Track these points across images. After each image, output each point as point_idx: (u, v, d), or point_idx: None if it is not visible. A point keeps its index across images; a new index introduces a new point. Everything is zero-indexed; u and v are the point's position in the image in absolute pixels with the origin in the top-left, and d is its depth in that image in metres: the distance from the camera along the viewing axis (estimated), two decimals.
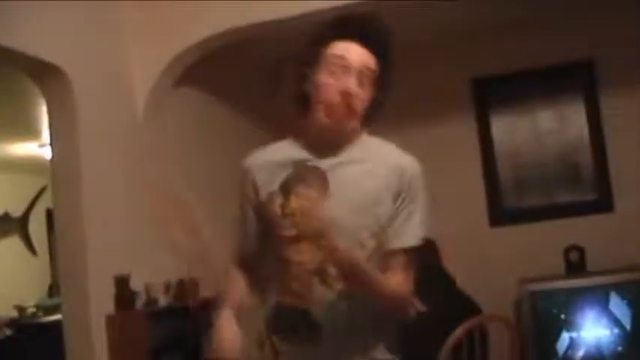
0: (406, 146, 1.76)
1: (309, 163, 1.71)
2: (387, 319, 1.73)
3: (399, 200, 1.69)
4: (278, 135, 1.86)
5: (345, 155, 1.71)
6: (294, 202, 1.65)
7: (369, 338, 1.70)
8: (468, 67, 4.67)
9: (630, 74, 4.39)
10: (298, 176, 1.70)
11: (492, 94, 4.69)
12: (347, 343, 1.67)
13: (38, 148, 6.03)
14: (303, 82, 1.70)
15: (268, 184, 1.74)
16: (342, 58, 1.66)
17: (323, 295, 1.65)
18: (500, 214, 4.66)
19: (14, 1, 2.94)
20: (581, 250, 4.26)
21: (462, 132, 4.71)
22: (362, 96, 1.67)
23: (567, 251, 4.27)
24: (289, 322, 1.69)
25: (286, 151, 1.77)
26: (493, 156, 4.67)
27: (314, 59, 1.69)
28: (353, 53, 1.67)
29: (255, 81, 4.69)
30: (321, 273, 1.65)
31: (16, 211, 7.01)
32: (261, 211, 1.76)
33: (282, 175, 1.72)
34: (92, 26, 3.43)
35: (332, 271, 1.63)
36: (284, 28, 3.54)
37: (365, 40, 1.67)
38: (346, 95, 1.65)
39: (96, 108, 3.35)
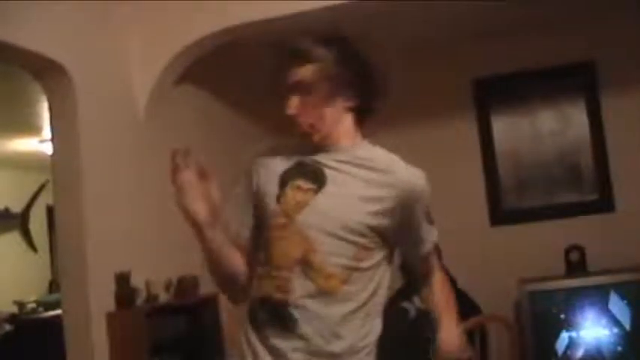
0: (407, 146, 1.77)
1: (309, 159, 1.74)
2: (373, 317, 1.73)
3: (410, 206, 1.72)
4: (278, 135, 1.87)
5: (344, 155, 1.73)
6: (290, 193, 1.70)
7: (354, 335, 1.69)
8: (468, 68, 4.67)
9: (631, 75, 4.39)
10: (297, 170, 1.73)
11: (493, 94, 4.70)
12: (328, 338, 1.66)
13: (39, 143, 6.03)
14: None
15: (268, 177, 1.76)
16: (287, 81, 1.75)
17: (304, 288, 1.66)
18: (501, 214, 4.66)
19: None
20: (581, 250, 4.26)
21: (462, 132, 4.71)
22: (310, 110, 1.72)
23: (567, 251, 4.27)
24: (268, 314, 1.70)
25: (288, 145, 1.80)
26: (494, 156, 4.67)
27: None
28: (294, 73, 1.74)
29: (255, 81, 4.68)
30: (304, 264, 1.66)
31: (17, 207, 7.03)
32: (258, 205, 1.77)
33: (282, 169, 1.75)
34: (94, 24, 3.43)
35: (315, 262, 1.65)
36: (284, 26, 3.54)
37: (312, 57, 1.72)
38: (292, 117, 1.73)
39: (97, 106, 3.35)
